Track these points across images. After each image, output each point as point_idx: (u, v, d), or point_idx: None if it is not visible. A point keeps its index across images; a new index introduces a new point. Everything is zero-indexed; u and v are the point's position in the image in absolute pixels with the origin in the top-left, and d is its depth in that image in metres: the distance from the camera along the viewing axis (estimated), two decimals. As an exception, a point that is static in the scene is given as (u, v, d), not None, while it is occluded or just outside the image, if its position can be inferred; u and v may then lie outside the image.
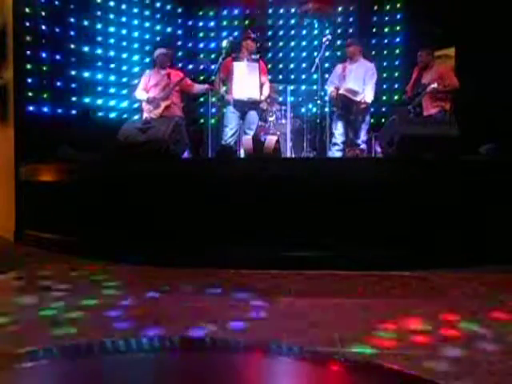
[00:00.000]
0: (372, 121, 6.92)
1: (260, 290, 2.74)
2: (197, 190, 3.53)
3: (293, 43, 7.64)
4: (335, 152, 5.16)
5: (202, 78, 7.25)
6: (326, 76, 5.46)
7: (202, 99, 7.27)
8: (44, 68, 5.63)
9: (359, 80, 5.09)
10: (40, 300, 2.53)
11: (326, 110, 5.54)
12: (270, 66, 7.54)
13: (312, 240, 3.31)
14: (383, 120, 6.54)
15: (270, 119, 6.10)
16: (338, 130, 5.19)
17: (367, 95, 5.03)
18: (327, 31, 6.59)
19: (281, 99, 6.26)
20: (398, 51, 7.21)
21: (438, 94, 4.87)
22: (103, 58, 6.64)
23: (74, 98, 6.13)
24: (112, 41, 6.80)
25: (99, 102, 6.51)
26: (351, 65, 5.20)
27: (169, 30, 7.54)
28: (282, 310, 2.36)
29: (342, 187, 3.34)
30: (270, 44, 7.66)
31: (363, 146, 5.20)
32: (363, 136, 5.18)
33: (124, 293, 2.70)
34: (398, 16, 7.24)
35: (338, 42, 6.86)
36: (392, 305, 2.45)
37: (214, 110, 6.50)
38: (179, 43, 7.62)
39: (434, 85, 4.75)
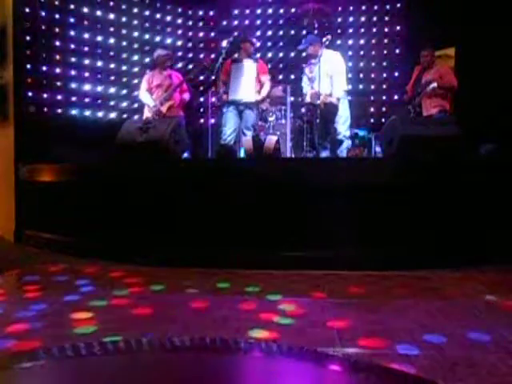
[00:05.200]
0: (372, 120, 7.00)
1: (260, 289, 2.74)
2: (196, 190, 3.53)
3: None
4: (321, 151, 5.15)
5: (201, 77, 7.27)
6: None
7: (202, 99, 7.28)
8: (44, 68, 5.64)
9: (327, 76, 5.00)
10: (40, 300, 2.54)
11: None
12: (270, 65, 7.58)
13: (312, 240, 3.31)
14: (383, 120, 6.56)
15: (270, 119, 6.10)
16: (319, 130, 5.15)
17: (333, 91, 4.93)
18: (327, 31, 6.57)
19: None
20: (397, 51, 7.22)
21: (437, 94, 4.87)
22: (103, 58, 6.65)
23: (73, 98, 6.14)
24: (112, 41, 6.80)
25: (99, 101, 6.51)
26: (316, 64, 5.08)
27: (168, 29, 7.54)
28: (282, 310, 2.36)
29: (341, 187, 3.33)
30: (270, 44, 7.67)
31: (348, 142, 5.13)
32: (344, 131, 5.08)
33: (124, 293, 2.70)
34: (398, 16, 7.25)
35: (339, 42, 6.87)
36: (392, 305, 2.45)
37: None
38: (179, 43, 7.62)
39: (434, 85, 4.75)
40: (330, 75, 4.97)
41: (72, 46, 6.19)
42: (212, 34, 7.82)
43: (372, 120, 7.05)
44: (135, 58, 7.06)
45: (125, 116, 6.61)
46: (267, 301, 2.51)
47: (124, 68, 6.94)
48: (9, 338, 1.98)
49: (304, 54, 5.66)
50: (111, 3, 6.79)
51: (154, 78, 5.27)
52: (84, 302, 2.50)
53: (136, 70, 6.93)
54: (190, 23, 7.81)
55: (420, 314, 2.27)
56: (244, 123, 5.12)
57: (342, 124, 5.05)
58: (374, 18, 7.36)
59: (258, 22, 7.73)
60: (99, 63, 6.61)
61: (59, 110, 5.86)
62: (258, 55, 5.33)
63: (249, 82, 5.01)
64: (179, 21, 7.66)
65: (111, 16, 6.79)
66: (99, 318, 2.23)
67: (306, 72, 5.20)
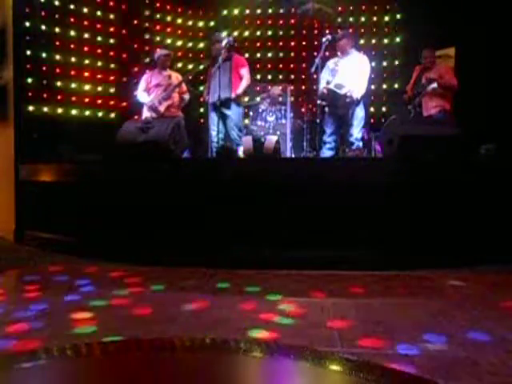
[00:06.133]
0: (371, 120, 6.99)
1: (260, 289, 2.74)
2: (196, 190, 3.53)
3: (293, 43, 7.64)
4: (326, 151, 5.06)
5: (201, 77, 7.27)
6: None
7: (201, 99, 7.27)
8: (44, 68, 5.64)
9: (350, 74, 4.91)
10: (40, 300, 2.54)
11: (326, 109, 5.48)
12: (270, 65, 7.58)
13: (312, 240, 3.31)
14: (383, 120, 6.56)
15: (270, 119, 6.10)
16: (329, 127, 5.08)
17: (355, 89, 4.83)
18: (327, 31, 6.55)
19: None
20: (397, 51, 7.21)
21: (437, 94, 4.86)
22: (103, 58, 6.65)
23: (73, 98, 6.14)
24: (112, 41, 6.80)
25: (99, 101, 6.52)
26: (342, 59, 5.05)
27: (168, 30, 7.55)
28: (282, 310, 2.36)
29: (341, 187, 3.34)
30: (269, 43, 7.68)
31: (358, 144, 5.03)
32: (357, 133, 4.99)
33: (124, 293, 2.70)
34: (398, 16, 7.24)
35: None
36: (392, 305, 2.45)
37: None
38: (179, 43, 7.63)
39: (434, 85, 4.74)
40: (353, 75, 4.90)
41: (72, 46, 6.19)
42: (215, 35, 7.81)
43: (372, 120, 7.04)
44: (135, 57, 7.06)
45: (125, 116, 6.61)
46: (267, 301, 2.51)
47: (124, 68, 6.93)
48: (9, 338, 1.98)
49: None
50: (111, 3, 6.79)
51: (153, 77, 5.26)
52: (84, 302, 2.50)
53: (136, 69, 6.93)
54: (190, 23, 7.81)
55: (420, 313, 2.27)
56: (228, 124, 5.14)
57: (356, 127, 5.00)
58: (374, 18, 7.35)
59: (258, 21, 7.73)
60: (99, 63, 6.60)
61: (59, 110, 5.86)
62: (231, 53, 5.12)
63: (224, 82, 4.98)
64: (179, 21, 7.66)
65: (111, 16, 6.79)
66: (99, 318, 2.23)
67: (329, 64, 5.10)
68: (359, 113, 4.97)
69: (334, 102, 4.95)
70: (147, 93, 5.22)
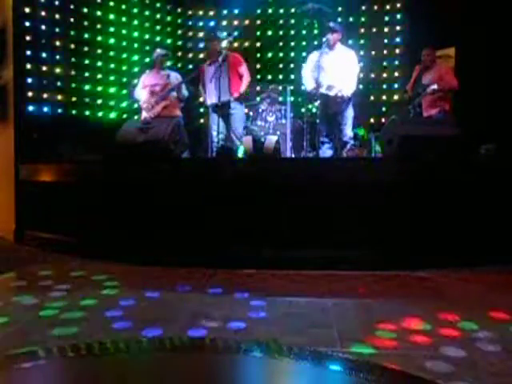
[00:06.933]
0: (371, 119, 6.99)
1: (260, 289, 2.74)
2: (196, 190, 3.53)
3: (293, 43, 7.64)
4: (326, 150, 5.03)
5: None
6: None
7: (201, 99, 7.27)
8: (44, 68, 5.64)
9: (338, 71, 4.84)
10: (40, 300, 2.53)
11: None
12: (269, 65, 7.58)
13: (312, 240, 3.31)
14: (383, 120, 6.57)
15: (270, 119, 6.10)
16: (325, 126, 5.05)
17: (345, 87, 4.79)
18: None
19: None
20: (397, 51, 7.21)
21: (437, 95, 4.86)
22: (103, 59, 6.65)
23: (73, 98, 6.14)
24: (112, 41, 6.80)
25: (99, 101, 6.52)
26: (328, 54, 4.91)
27: (168, 29, 7.55)
28: (282, 310, 2.36)
29: (341, 187, 3.33)
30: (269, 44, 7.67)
31: (351, 143, 5.02)
32: (350, 133, 4.98)
33: (124, 293, 2.70)
34: (398, 16, 7.24)
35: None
36: (392, 305, 2.45)
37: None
38: (179, 43, 7.63)
39: (434, 86, 4.74)
40: (341, 71, 4.83)
41: (72, 46, 6.18)
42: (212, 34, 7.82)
43: (372, 120, 7.04)
44: (135, 57, 7.06)
45: (125, 116, 6.61)
46: (267, 301, 2.51)
47: (124, 68, 6.93)
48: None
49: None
50: (111, 3, 6.78)
51: (152, 77, 5.27)
52: (78, 301, 2.50)
53: (136, 69, 6.93)
54: (190, 23, 7.81)
55: (420, 313, 2.27)
56: (232, 123, 5.12)
57: (349, 126, 4.97)
58: (374, 18, 7.35)
59: (258, 21, 7.72)
60: (99, 63, 6.60)
61: (59, 110, 5.85)
62: (227, 52, 4.98)
63: (223, 84, 4.91)
64: (179, 21, 7.66)
65: (111, 16, 6.79)
66: (98, 318, 2.23)
67: (313, 57, 4.98)
68: (349, 112, 4.96)
69: (324, 101, 4.94)
70: (145, 92, 5.23)
